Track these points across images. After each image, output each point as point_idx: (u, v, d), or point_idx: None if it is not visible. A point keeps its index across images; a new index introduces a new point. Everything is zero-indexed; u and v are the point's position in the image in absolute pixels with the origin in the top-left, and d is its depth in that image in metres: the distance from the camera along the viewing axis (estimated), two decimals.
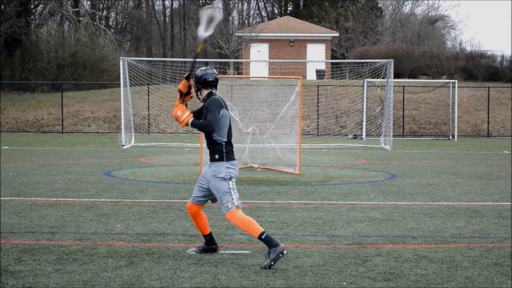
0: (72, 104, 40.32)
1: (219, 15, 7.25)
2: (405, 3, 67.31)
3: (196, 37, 6.98)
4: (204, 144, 9.47)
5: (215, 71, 7.30)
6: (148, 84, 35.09)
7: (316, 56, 48.32)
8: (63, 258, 7.04)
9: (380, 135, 29.63)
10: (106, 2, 64.99)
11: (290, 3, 70.63)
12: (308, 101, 37.37)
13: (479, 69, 46.85)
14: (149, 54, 66.35)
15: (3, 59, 46.40)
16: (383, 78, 29.52)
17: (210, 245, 7.35)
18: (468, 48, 60.24)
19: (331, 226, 9.09)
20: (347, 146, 28.67)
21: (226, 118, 7.08)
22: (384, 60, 28.70)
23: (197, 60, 7.04)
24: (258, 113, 19.22)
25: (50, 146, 26.13)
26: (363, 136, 33.44)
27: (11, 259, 7.00)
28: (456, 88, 34.88)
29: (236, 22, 59.43)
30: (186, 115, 7.10)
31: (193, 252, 7.34)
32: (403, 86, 38.73)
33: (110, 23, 66.14)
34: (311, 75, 46.73)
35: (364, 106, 33.98)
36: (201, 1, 67.57)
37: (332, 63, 47.32)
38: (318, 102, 37.64)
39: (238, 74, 47.44)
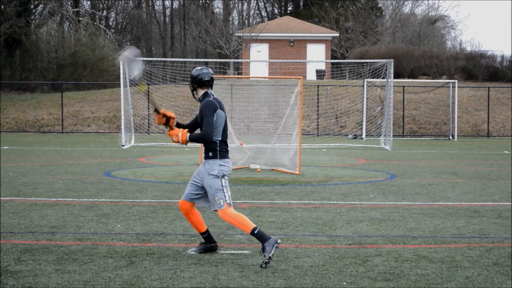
0: (72, 104, 40.32)
1: (132, 54, 7.29)
2: (405, 3, 67.33)
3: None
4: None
5: (210, 70, 7.35)
6: (148, 84, 35.08)
7: (316, 56, 48.32)
8: (63, 258, 7.04)
9: (380, 135, 29.63)
10: (106, 2, 64.99)
11: (290, 3, 70.63)
12: (308, 101, 37.38)
13: (479, 69, 46.84)
14: (149, 54, 66.34)
15: (3, 59, 46.41)
16: (383, 78, 29.52)
17: (208, 243, 7.35)
18: (468, 48, 60.28)
19: (331, 226, 9.09)
20: (347, 146, 28.67)
21: (221, 118, 7.13)
22: (384, 60, 28.70)
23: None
24: (258, 113, 19.22)
25: (50, 146, 26.13)
26: (363, 136, 33.44)
27: (11, 259, 7.00)
28: (456, 88, 34.88)
29: (236, 22, 59.44)
30: (181, 135, 7.19)
31: (193, 252, 7.34)
32: (403, 86, 38.73)
33: (110, 23, 66.14)
34: (311, 75, 46.73)
35: (364, 106, 33.98)
36: (201, 1, 67.60)
37: (332, 63, 47.34)
38: (318, 102, 37.64)
39: (238, 74, 47.44)
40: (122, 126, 26.93)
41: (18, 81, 46.31)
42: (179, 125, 7.40)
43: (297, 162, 16.17)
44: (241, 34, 47.23)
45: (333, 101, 38.11)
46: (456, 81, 36.59)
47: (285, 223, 9.25)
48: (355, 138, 33.96)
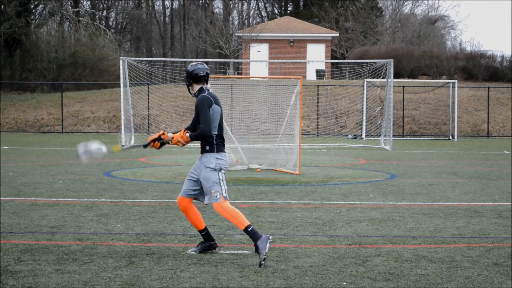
0: (72, 104, 40.32)
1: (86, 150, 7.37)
2: (405, 3, 67.32)
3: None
4: None
5: (205, 66, 7.41)
6: (148, 84, 35.10)
7: (316, 56, 48.32)
8: (63, 258, 7.04)
9: (380, 135, 29.63)
10: (106, 2, 64.98)
11: (290, 3, 70.63)
12: (308, 101, 37.38)
13: (479, 69, 46.84)
14: (149, 54, 66.35)
15: (3, 59, 46.40)
16: (383, 78, 29.51)
17: (207, 241, 7.35)
18: (468, 48, 60.26)
19: (331, 226, 9.09)
20: (347, 146, 28.67)
21: (216, 113, 7.18)
22: (384, 60, 28.69)
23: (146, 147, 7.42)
24: (258, 113, 19.22)
25: (50, 146, 26.13)
26: (363, 136, 33.44)
27: (11, 259, 7.00)
28: (456, 88, 34.88)
29: (236, 22, 59.43)
30: (181, 138, 7.28)
31: (193, 252, 7.34)
32: (403, 86, 38.73)
33: (110, 23, 66.14)
34: (311, 75, 46.72)
35: (364, 106, 33.97)
36: (201, 1, 67.59)
37: (332, 63, 47.34)
38: (318, 102, 37.64)
39: (238, 74, 47.43)
40: (122, 126, 26.93)
41: (18, 81, 46.31)
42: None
43: (297, 162, 16.17)
44: (241, 34, 47.23)
45: (333, 101, 38.10)
46: (456, 81, 36.59)
47: (285, 223, 9.25)
48: (355, 138, 33.96)
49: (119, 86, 29.43)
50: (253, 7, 71.31)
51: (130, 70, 28.62)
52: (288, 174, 15.93)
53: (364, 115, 34.05)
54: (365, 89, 34.02)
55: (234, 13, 61.81)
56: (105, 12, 64.94)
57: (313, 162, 19.79)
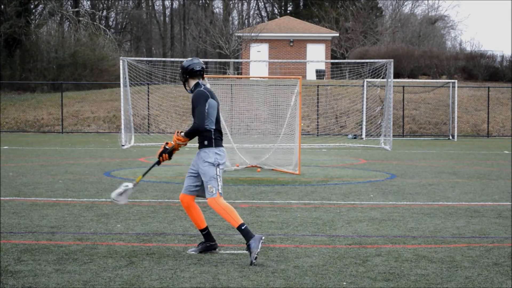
0: (72, 104, 40.32)
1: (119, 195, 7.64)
2: (405, 3, 67.34)
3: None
4: None
5: (201, 61, 7.39)
6: (148, 84, 35.09)
7: (316, 56, 48.32)
8: (63, 258, 7.04)
9: (380, 135, 29.63)
10: (106, 2, 64.99)
11: (290, 3, 70.63)
12: (308, 101, 37.38)
13: (479, 69, 46.84)
14: (149, 54, 66.35)
15: (3, 59, 46.40)
16: (383, 78, 29.52)
17: (208, 241, 7.35)
18: (468, 48, 60.30)
19: (331, 226, 9.09)
20: (347, 146, 28.67)
21: (213, 107, 7.17)
22: (384, 60, 28.70)
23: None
24: (258, 113, 19.22)
25: (50, 146, 26.13)
26: (363, 136, 33.44)
27: (11, 259, 7.00)
28: (456, 88, 34.88)
29: (236, 22, 59.43)
30: (177, 140, 7.28)
31: (193, 252, 7.34)
32: (403, 86, 38.73)
33: (110, 23, 66.14)
34: (311, 75, 46.73)
35: (364, 106, 33.98)
36: (201, 1, 67.59)
37: (332, 63, 47.34)
38: (318, 102, 37.65)
39: (238, 74, 47.43)
40: (122, 126, 26.93)
41: (18, 81, 46.31)
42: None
43: (297, 162, 16.17)
44: (241, 34, 47.23)
45: (333, 101, 38.11)
46: (456, 81, 36.59)
47: (285, 223, 9.25)
48: (355, 138, 33.96)
49: (119, 86, 29.43)
50: (253, 7, 71.36)
51: (130, 70, 28.63)
52: (288, 174, 15.93)
53: (364, 115, 34.06)
54: (365, 89, 34.03)
55: (234, 13, 61.84)
56: (105, 12, 64.95)
57: (313, 162, 19.79)
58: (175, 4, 71.86)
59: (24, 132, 37.47)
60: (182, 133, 7.29)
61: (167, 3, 73.22)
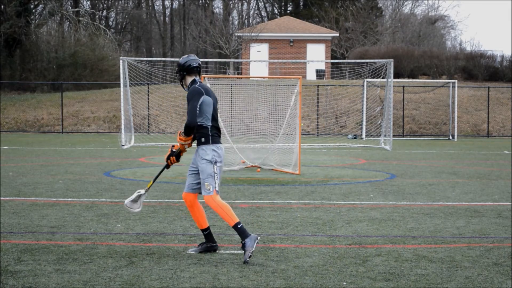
0: (72, 104, 40.32)
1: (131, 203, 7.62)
2: (405, 3, 67.34)
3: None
4: None
5: (197, 57, 7.38)
6: (148, 84, 35.09)
7: (316, 56, 48.33)
8: (63, 258, 7.04)
9: (380, 135, 29.63)
10: (106, 2, 64.98)
11: (290, 3, 70.63)
12: (308, 101, 37.38)
13: (479, 69, 46.85)
14: (149, 54, 66.35)
15: (3, 59, 46.40)
16: (383, 78, 29.52)
17: (209, 242, 7.35)
18: (468, 48, 60.28)
19: (331, 226, 9.09)
20: (347, 146, 28.67)
21: (208, 104, 7.15)
22: (384, 60, 28.70)
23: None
24: (258, 113, 19.22)
25: (50, 146, 26.13)
26: (363, 136, 33.44)
27: (11, 259, 7.00)
28: (456, 88, 34.88)
29: (236, 22, 59.43)
30: (181, 139, 7.36)
31: (193, 252, 7.34)
32: (403, 86, 38.73)
33: (110, 23, 66.13)
34: (311, 75, 46.73)
35: (364, 106, 33.98)
36: (201, 1, 67.58)
37: (332, 63, 47.35)
38: (318, 102, 37.65)
39: (238, 74, 47.43)
40: (122, 126, 26.93)
41: (18, 81, 46.31)
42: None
43: (297, 162, 16.17)
44: (241, 34, 47.23)
45: (333, 101, 38.11)
46: (456, 81, 36.59)
47: (285, 223, 9.25)
48: (355, 138, 33.96)
49: (119, 86, 29.43)
50: (253, 7, 71.36)
51: (130, 70, 28.63)
52: (288, 174, 15.93)
53: (364, 115, 34.06)
54: (365, 89, 34.03)
55: (234, 13, 61.85)
56: (105, 12, 64.94)
57: (313, 162, 19.79)
58: (175, 4, 71.90)
59: (24, 132, 37.46)
60: (182, 131, 7.32)
61: (167, 3, 73.29)
